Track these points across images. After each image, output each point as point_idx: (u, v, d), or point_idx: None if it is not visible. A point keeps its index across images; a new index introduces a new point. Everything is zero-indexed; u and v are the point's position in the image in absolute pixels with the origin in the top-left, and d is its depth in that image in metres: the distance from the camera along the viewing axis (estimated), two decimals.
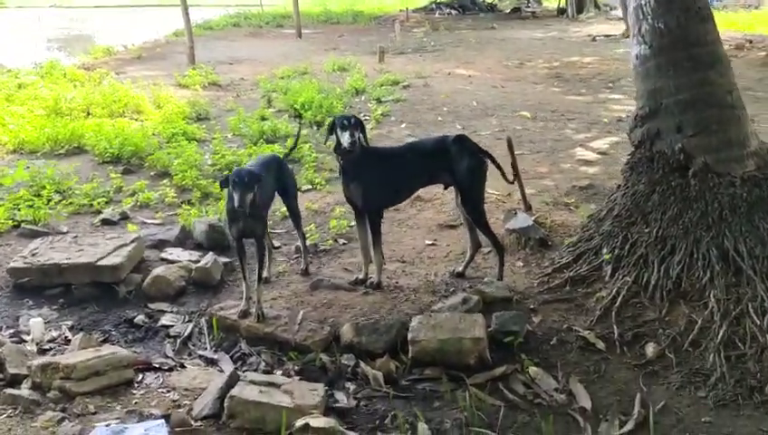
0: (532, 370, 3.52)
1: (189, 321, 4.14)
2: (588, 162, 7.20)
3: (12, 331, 4.03)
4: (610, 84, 11.21)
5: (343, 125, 4.15)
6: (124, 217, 5.72)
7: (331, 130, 4.23)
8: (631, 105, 9.47)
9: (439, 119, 9.07)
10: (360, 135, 4.17)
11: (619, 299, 3.90)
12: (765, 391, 3.26)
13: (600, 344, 3.68)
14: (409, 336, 3.64)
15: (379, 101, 9.85)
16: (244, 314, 4.01)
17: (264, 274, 4.35)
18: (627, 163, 4.50)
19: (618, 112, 9.26)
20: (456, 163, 4.20)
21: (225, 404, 3.10)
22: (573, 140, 8.08)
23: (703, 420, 3.16)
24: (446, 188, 4.57)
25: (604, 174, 6.74)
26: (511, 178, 4.81)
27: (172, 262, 4.73)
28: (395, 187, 4.37)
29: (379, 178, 4.25)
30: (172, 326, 4.09)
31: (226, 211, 4.17)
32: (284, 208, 5.40)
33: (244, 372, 3.57)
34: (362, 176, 4.23)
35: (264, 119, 8.56)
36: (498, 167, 4.41)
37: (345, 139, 4.11)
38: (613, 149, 7.60)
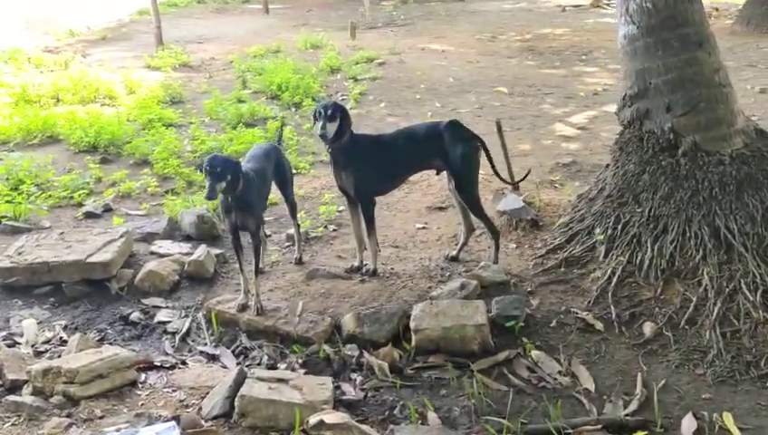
0: (535, 353, 3.56)
1: (186, 316, 4.08)
2: (568, 138, 7.26)
3: (4, 333, 3.94)
4: (584, 57, 11.26)
5: (318, 114, 4.07)
6: (108, 210, 5.60)
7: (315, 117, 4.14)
8: (606, 78, 9.71)
9: (417, 97, 9.03)
10: (338, 124, 4.04)
11: (615, 279, 3.96)
12: (761, 366, 3.35)
13: (599, 325, 3.74)
14: (412, 325, 3.65)
15: (355, 79, 9.75)
16: (243, 307, 3.97)
17: (260, 264, 4.30)
18: (616, 143, 4.53)
19: (593, 86, 9.33)
20: (449, 149, 4.19)
21: (236, 403, 3.08)
22: (552, 115, 8.13)
23: (703, 396, 3.24)
24: (437, 174, 4.56)
25: (586, 150, 6.81)
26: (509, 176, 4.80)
27: (163, 256, 4.65)
28: (387, 174, 4.34)
29: (371, 165, 4.21)
30: (169, 322, 4.04)
31: (220, 203, 4.10)
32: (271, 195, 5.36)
33: (247, 366, 3.56)
34: (354, 164, 4.18)
35: (241, 101, 8.40)
36: (489, 158, 4.38)
37: (316, 128, 4.06)
38: (592, 124, 7.69)
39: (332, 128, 4.05)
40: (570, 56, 11.33)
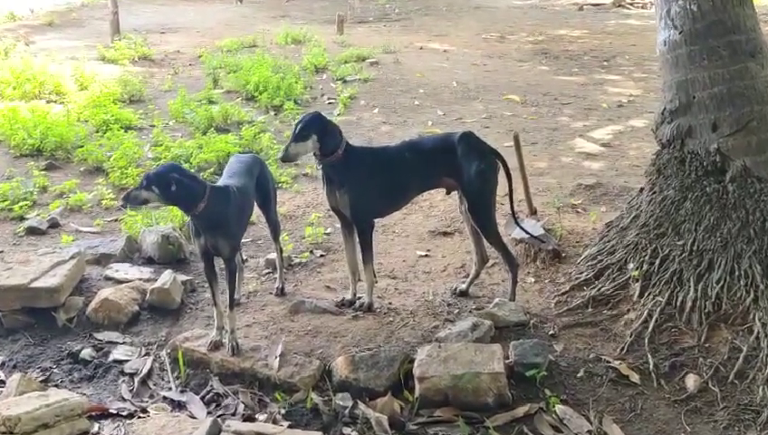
0: (559, 408, 3.51)
1: (147, 354, 4.00)
2: (591, 156, 7.31)
3: None
4: (605, 63, 11.40)
5: (294, 128, 4.11)
6: (54, 225, 5.53)
7: None
8: (631, 88, 9.82)
9: (416, 102, 9.08)
10: (316, 142, 4.02)
11: (652, 323, 3.93)
12: None
13: (635, 377, 3.70)
14: (417, 372, 3.59)
15: (344, 80, 9.79)
16: (216, 345, 3.89)
17: (235, 295, 4.22)
18: (653, 164, 4.54)
19: (617, 96, 9.44)
20: (462, 165, 4.16)
21: None
22: (571, 128, 8.20)
23: None
24: (448, 194, 4.53)
25: (610, 170, 6.85)
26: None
27: (120, 281, 4.58)
28: (390, 193, 4.30)
29: (372, 183, 4.17)
30: (127, 361, 3.95)
31: (189, 223, 4.05)
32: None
33: (220, 416, 3.47)
34: (351, 182, 4.14)
35: (211, 102, 8.40)
36: (508, 177, 4.34)
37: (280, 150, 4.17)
38: (617, 140, 7.75)
39: (303, 148, 4.05)
40: (589, 62, 11.46)
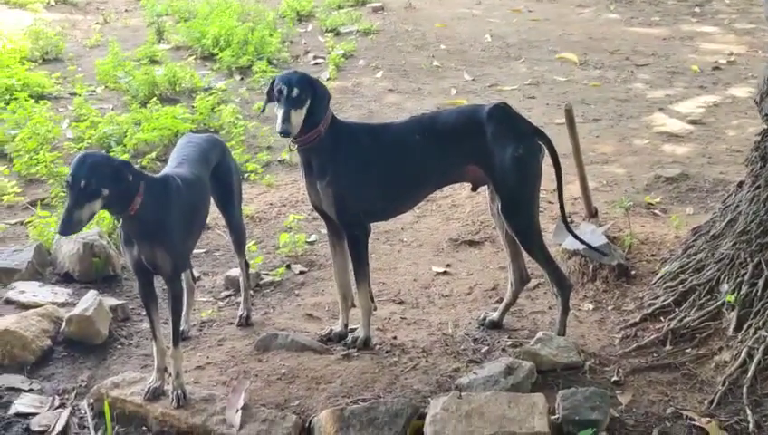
0: None
1: (62, 406, 4.04)
2: (675, 137, 7.36)
3: None
4: (697, 8, 11.49)
5: (279, 93, 4.08)
6: None
7: (270, 96, 4.20)
8: (732, 44, 9.89)
9: (435, 63, 9.17)
10: (308, 108, 4.08)
11: (752, 366, 3.94)
12: None
13: None
14: (429, 431, 3.63)
15: (336, 33, 9.92)
16: (155, 394, 3.94)
17: (182, 325, 4.28)
18: (756, 149, 4.57)
19: (712, 55, 9.52)
20: (493, 150, 4.19)
21: None
22: (648, 99, 8.26)
23: None
24: (474, 189, 4.57)
25: (702, 156, 6.91)
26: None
27: (27, 306, 4.64)
28: (393, 188, 4.34)
29: (366, 173, 4.23)
30: (34, 415, 3.98)
31: (118, 228, 4.07)
32: None
33: None
34: (336, 170, 4.18)
35: (154, 62, 8.49)
36: (556, 167, 4.37)
37: (278, 119, 4.06)
38: (712, 116, 7.81)
39: (299, 117, 4.06)
40: (675, 7, 11.55)
